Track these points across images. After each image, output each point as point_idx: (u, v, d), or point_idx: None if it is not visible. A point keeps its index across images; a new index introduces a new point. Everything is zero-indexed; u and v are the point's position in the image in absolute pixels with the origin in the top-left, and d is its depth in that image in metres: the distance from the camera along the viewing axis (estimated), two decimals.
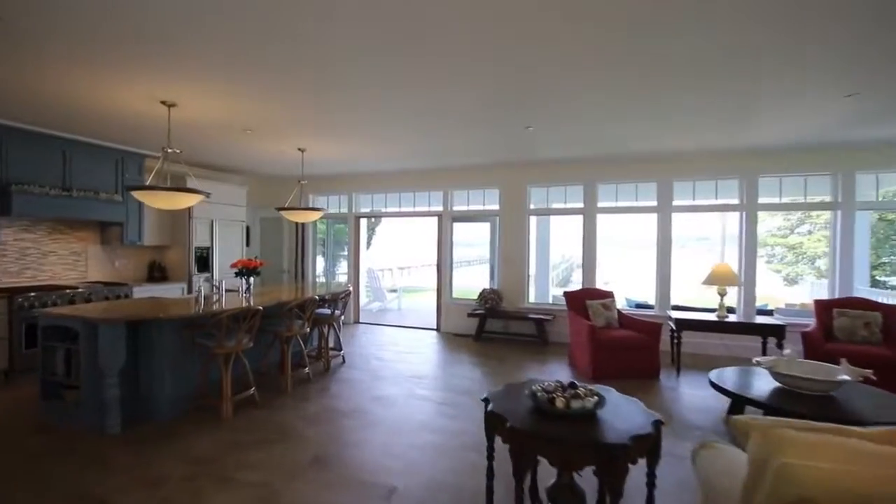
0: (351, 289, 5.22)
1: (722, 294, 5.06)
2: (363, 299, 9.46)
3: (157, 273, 6.49)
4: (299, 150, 5.56)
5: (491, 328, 6.77)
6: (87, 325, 3.34)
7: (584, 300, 5.38)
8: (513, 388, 2.23)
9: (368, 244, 16.24)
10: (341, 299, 5.23)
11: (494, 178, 6.93)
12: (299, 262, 8.33)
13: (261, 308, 3.80)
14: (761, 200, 5.80)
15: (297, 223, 8.31)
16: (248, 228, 8.66)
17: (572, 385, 2.00)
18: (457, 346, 6.33)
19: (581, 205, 6.55)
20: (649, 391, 4.46)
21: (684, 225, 6.42)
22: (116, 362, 3.30)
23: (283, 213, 5.43)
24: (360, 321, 8.06)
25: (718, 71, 3.12)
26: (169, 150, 3.87)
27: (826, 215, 6.45)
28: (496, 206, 7.02)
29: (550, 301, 7.37)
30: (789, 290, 11.82)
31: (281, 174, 7.56)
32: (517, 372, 5.05)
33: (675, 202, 6.09)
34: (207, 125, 4.55)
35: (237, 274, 4.57)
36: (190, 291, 6.28)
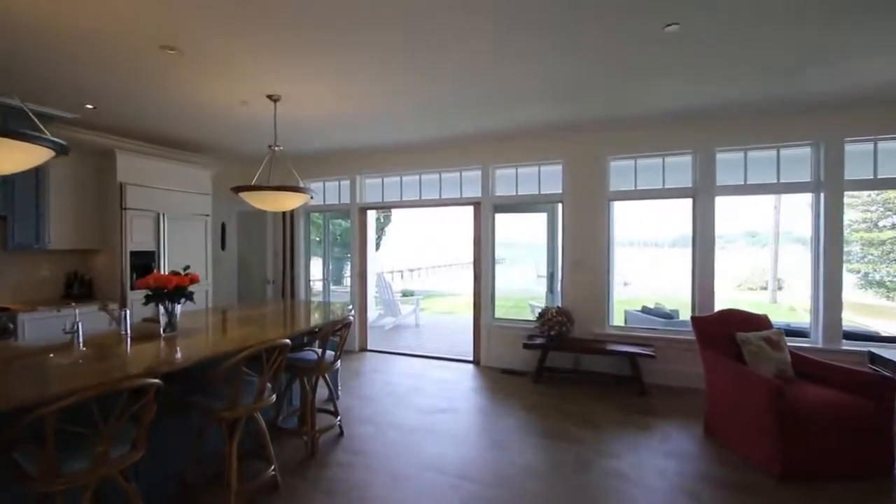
0: (352, 318, 3.21)
1: None
2: (371, 314, 7.49)
3: (78, 289, 4.54)
4: (270, 98, 3.56)
5: (555, 362, 4.71)
6: None
7: (732, 332, 3.30)
8: None
9: (378, 245, 14.19)
10: (338, 332, 3.22)
11: (557, 149, 4.87)
12: (288, 271, 6.35)
13: (154, 381, 1.79)
14: None
15: (284, 218, 6.34)
16: (223, 226, 6.75)
17: None
18: (510, 392, 4.28)
19: (688, 184, 4.48)
20: None
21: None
22: None
23: (245, 197, 3.44)
24: (368, 348, 6.04)
25: None
26: None
27: None
28: (557, 189, 4.96)
29: (618, 321, 5.22)
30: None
31: (261, 153, 5.58)
32: (628, 454, 2.98)
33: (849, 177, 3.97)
34: (88, 36, 2.56)
35: (147, 299, 2.57)
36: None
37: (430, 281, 21.94)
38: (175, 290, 2.55)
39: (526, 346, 4.57)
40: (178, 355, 2.27)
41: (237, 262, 6.66)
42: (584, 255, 4.78)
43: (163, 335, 2.62)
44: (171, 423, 2.49)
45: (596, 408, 3.86)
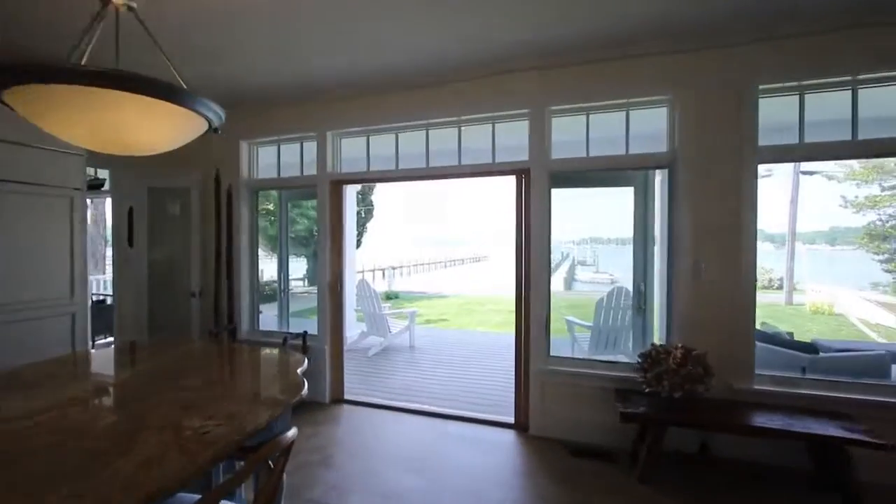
0: (294, 433, 1.18)
1: None
2: (351, 334, 5.47)
3: None
4: None
5: (671, 440, 2.75)
6: None
7: None
8: None
9: (359, 243, 11.99)
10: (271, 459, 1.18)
11: (662, 76, 2.89)
12: (223, 278, 4.23)
13: None
14: None
15: (218, 199, 4.23)
16: (130, 212, 4.61)
17: None
18: None
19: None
20: None
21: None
22: None
23: (16, 103, 1.37)
24: (345, 397, 3.97)
25: None
26: None
27: None
28: (661, 147, 3.01)
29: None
30: None
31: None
32: None
33: None
34: None
35: None
36: None
37: (413, 281, 19.87)
38: None
39: (625, 417, 2.58)
40: None
41: (148, 264, 4.50)
42: (712, 255, 2.84)
43: None
44: None
45: None
